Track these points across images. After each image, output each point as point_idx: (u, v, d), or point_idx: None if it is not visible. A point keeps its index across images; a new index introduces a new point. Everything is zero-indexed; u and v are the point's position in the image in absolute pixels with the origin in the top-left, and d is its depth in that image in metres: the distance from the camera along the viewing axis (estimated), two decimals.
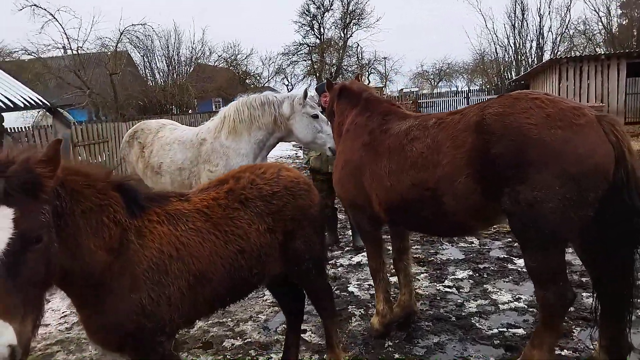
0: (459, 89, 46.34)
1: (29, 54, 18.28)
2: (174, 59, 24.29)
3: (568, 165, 2.45)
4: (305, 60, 38.42)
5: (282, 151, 17.57)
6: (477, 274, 4.80)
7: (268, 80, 35.96)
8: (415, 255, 5.49)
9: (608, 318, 2.75)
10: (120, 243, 1.99)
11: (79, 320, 2.17)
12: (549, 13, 33.63)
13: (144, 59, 23.90)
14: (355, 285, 4.74)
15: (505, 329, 3.64)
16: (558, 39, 25.72)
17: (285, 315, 3.27)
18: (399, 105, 3.74)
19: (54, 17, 16.86)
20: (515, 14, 26.24)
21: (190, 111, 24.11)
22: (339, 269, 5.28)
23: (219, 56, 27.41)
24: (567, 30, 25.77)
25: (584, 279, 4.30)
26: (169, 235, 2.14)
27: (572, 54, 23.85)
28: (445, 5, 79.53)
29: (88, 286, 1.96)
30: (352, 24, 38.16)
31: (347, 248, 6.03)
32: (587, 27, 26.46)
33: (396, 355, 3.40)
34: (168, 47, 23.80)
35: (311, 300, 3.06)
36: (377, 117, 3.52)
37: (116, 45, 18.56)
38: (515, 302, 4.10)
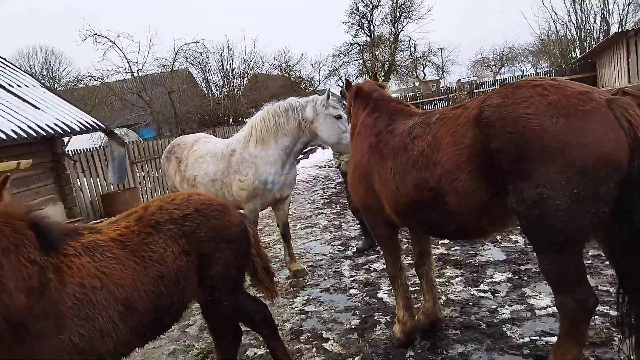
0: (524, 73, 43.99)
1: (95, 80, 19.78)
2: (227, 72, 25.07)
3: (573, 157, 2.21)
4: (356, 60, 38.14)
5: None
6: (517, 277, 4.50)
7: (320, 83, 36.10)
8: (452, 257, 5.27)
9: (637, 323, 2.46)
10: (40, 283, 1.93)
11: None
12: None
13: (200, 75, 24.92)
14: (386, 291, 4.62)
15: (538, 337, 3.38)
16: (626, 10, 23.58)
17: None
18: (408, 104, 3.59)
19: (114, 44, 18.01)
20: None
21: (245, 120, 24.85)
22: (372, 273, 5.18)
23: (270, 64, 27.88)
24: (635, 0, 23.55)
25: None
26: (89, 267, 2.09)
27: None
28: None
29: (11, 331, 1.86)
30: (402, 17, 37.35)
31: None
32: None
33: None
34: (222, 61, 24.59)
35: (241, 321, 2.97)
36: (385, 117, 3.43)
37: (172, 65, 19.51)
38: (553, 307, 3.79)
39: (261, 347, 3.88)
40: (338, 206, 9.00)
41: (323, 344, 3.76)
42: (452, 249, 5.52)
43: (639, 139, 2.25)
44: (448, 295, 4.30)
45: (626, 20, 23.65)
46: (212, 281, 2.56)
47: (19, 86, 8.50)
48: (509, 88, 2.56)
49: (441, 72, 43.23)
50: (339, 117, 4.82)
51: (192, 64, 23.39)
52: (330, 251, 6.23)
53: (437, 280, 4.68)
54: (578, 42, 23.83)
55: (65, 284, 1.98)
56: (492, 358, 3.22)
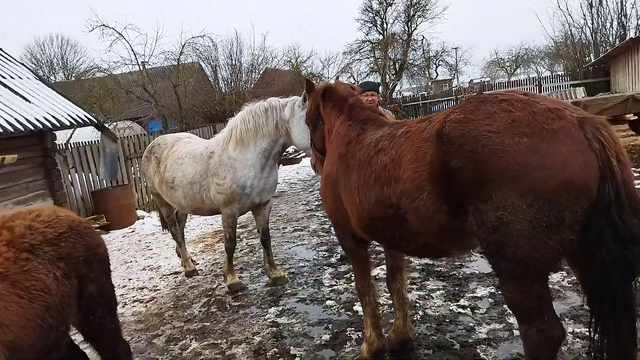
0: (540, 75, 43.34)
1: (101, 71, 19.75)
2: (236, 67, 24.95)
3: (534, 180, 2.02)
4: (368, 58, 37.78)
5: None
6: (499, 292, 4.26)
7: (329, 80, 35.84)
8: (437, 269, 5.04)
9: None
10: None
11: None
12: None
13: (209, 69, 24.85)
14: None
15: None
16: None
17: None
18: (382, 112, 3.36)
19: (121, 35, 17.96)
20: None
21: None
22: (352, 284, 4.96)
23: (279, 60, 27.68)
24: None
25: None
26: None
27: None
28: None
29: None
30: (416, 15, 36.87)
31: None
32: None
33: None
34: (231, 55, 24.47)
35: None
36: (357, 126, 3.21)
37: (178, 58, 19.42)
38: None
39: None
40: None
41: None
42: (440, 259, 5.28)
43: (610, 163, 2.03)
44: (426, 310, 4.08)
45: None
46: (91, 302, 2.40)
47: (12, 78, 8.42)
48: (474, 102, 2.36)
49: (454, 72, 42.60)
50: None
51: (200, 57, 23.32)
52: (315, 257, 6.03)
53: (418, 293, 4.48)
54: (593, 47, 23.22)
55: None
56: None
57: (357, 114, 3.29)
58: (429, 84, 44.37)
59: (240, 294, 5.12)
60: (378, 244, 3.50)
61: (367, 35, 37.52)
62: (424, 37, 37.53)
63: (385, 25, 37.71)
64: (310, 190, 11.34)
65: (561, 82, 19.64)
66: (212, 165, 5.05)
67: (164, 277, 6.09)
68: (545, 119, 2.10)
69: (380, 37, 37.48)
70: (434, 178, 2.33)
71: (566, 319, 3.61)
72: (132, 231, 8.91)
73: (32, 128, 7.39)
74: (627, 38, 18.07)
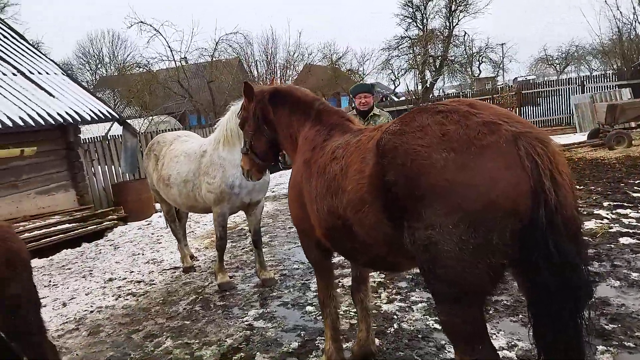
0: (592, 74, 41.20)
1: (139, 67, 20.42)
2: (271, 63, 25.15)
3: (460, 198, 1.89)
4: (406, 54, 37.08)
5: None
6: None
7: (366, 76, 35.56)
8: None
9: None
10: None
11: None
12: None
13: (245, 65, 25.20)
14: (342, 312, 4.32)
15: None
16: None
17: None
18: (350, 117, 3.22)
19: (158, 32, 18.46)
20: None
21: None
22: (339, 290, 4.87)
23: (314, 56, 27.66)
24: None
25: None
26: None
27: None
28: None
29: None
30: (457, 10, 35.83)
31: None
32: None
33: None
34: (266, 52, 24.68)
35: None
36: (325, 131, 3.11)
37: (212, 54, 19.78)
38: (508, 350, 3.36)
39: None
40: None
41: None
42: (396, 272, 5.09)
43: (543, 183, 1.86)
44: (402, 324, 3.94)
45: None
46: (12, 302, 2.48)
47: (39, 73, 8.83)
48: (412, 113, 2.26)
49: (498, 70, 41.15)
50: None
51: (236, 54, 23.66)
52: None
53: (399, 304, 4.34)
54: None
55: None
56: None
57: (326, 118, 3.18)
58: (469, 81, 43.08)
59: (227, 293, 5.14)
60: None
61: (406, 30, 36.87)
62: (465, 32, 36.48)
63: (425, 21, 36.92)
64: None
65: (606, 82, 18.49)
66: (204, 164, 5.09)
67: (163, 271, 6.21)
68: (476, 133, 1.97)
69: (420, 32, 36.74)
70: (373, 191, 2.26)
71: None
72: (148, 224, 9.15)
73: (53, 122, 7.71)
74: None
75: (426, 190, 1.97)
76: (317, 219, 2.83)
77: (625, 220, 5.73)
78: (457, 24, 36.42)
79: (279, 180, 12.89)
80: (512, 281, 4.43)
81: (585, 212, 6.24)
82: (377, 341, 3.57)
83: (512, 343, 3.45)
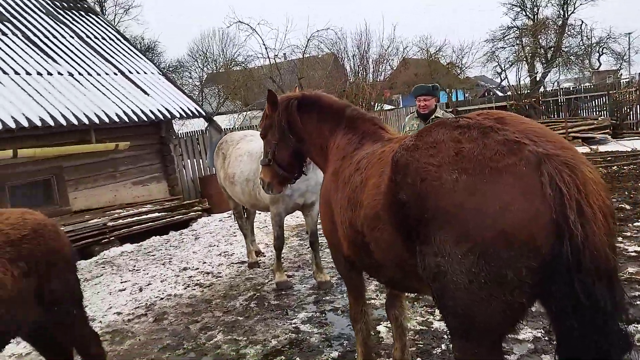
0: None
1: (237, 65, 21.50)
2: (364, 58, 24.99)
3: (469, 226, 1.71)
4: (513, 46, 34.54)
5: None
6: (546, 337, 3.61)
7: (465, 69, 33.88)
8: None
9: None
10: None
11: None
12: None
13: (338, 60, 25.35)
14: (387, 325, 4.13)
15: None
16: None
17: None
18: (383, 125, 3.02)
19: (254, 30, 19.26)
20: None
21: (382, 108, 24.77)
22: None
23: (408, 50, 26.93)
24: None
25: None
26: None
27: None
28: None
29: None
30: None
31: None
32: None
33: None
34: (359, 47, 24.58)
35: (77, 349, 2.91)
36: (356, 140, 2.96)
37: (304, 51, 20.16)
38: None
39: None
40: None
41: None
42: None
43: (567, 215, 1.59)
44: (442, 346, 3.66)
45: None
46: (54, 297, 2.61)
47: (137, 73, 9.66)
48: (430, 126, 2.08)
49: (621, 62, 36.74)
50: None
51: (330, 50, 23.88)
52: None
53: (438, 324, 4.02)
54: None
55: None
56: None
57: (358, 125, 3.02)
58: (590, 74, 39.00)
59: (283, 293, 5.20)
60: None
61: (514, 20, 34.38)
62: (582, 21, 33.01)
63: (536, 9, 34.11)
64: None
65: None
66: None
67: (232, 264, 6.47)
68: (493, 154, 1.75)
69: (530, 22, 34.01)
70: (387, 208, 2.12)
71: None
72: (229, 216, 9.59)
73: (145, 119, 8.40)
74: None
75: (435, 213, 1.81)
76: (342, 232, 2.73)
77: None
78: (573, 11, 33.18)
79: None
80: None
81: None
82: None
83: None
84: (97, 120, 7.75)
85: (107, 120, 7.80)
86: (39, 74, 8.25)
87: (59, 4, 10.71)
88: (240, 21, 19.18)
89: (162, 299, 5.44)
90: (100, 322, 4.88)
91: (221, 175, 5.95)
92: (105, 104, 8.09)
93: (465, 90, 42.23)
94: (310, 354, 3.79)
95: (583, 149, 13.75)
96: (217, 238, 8.03)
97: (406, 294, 3.30)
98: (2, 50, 8.31)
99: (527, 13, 34.57)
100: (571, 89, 20.78)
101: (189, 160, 10.35)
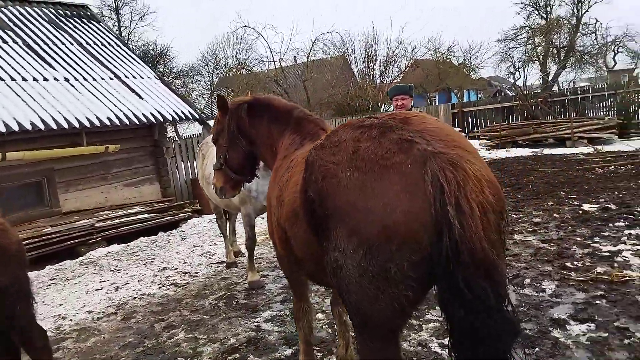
0: None
1: (244, 68, 21.68)
2: (371, 60, 25.03)
3: (358, 222, 1.77)
4: (524, 46, 34.12)
5: None
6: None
7: (478, 69, 33.59)
8: None
9: None
10: None
11: None
12: None
13: (347, 62, 25.39)
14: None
15: None
16: None
17: None
18: (324, 126, 3.07)
19: (260, 34, 19.43)
20: None
21: (386, 109, 24.71)
22: None
23: (416, 52, 26.80)
24: None
25: None
26: None
27: None
28: None
29: None
30: None
31: None
32: None
33: None
34: (366, 49, 24.63)
35: (22, 344, 2.96)
36: (298, 140, 3.06)
37: (308, 54, 20.26)
38: None
39: None
40: None
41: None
42: None
43: (447, 212, 1.61)
44: (403, 344, 3.64)
45: None
46: (2, 292, 2.67)
47: (134, 77, 9.84)
48: (339, 127, 2.19)
49: (637, 60, 35.97)
50: None
51: (336, 52, 23.95)
52: None
53: (412, 321, 4.01)
54: None
55: None
56: None
57: (303, 126, 3.09)
58: (606, 73, 38.29)
59: (254, 292, 5.23)
60: None
61: (527, 20, 33.91)
62: (597, 20, 32.41)
63: (549, 8, 33.60)
64: None
65: None
66: None
67: (211, 264, 6.53)
68: (385, 152, 1.82)
69: (543, 21, 33.53)
70: (301, 205, 2.19)
71: None
72: None
73: (137, 122, 8.54)
74: None
75: (333, 210, 1.88)
76: (273, 229, 2.80)
77: None
78: (587, 10, 32.63)
79: None
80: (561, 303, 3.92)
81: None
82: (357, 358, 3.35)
83: None
84: (87, 124, 7.92)
85: (97, 123, 7.97)
86: (35, 79, 8.48)
87: (62, 12, 10.99)
88: (246, 25, 19.45)
89: (135, 298, 5.51)
90: (71, 320, 4.98)
91: (200, 176, 6.03)
92: (98, 107, 8.26)
93: (478, 90, 41.95)
94: (264, 352, 3.80)
95: (586, 149, 13.50)
96: (203, 239, 8.11)
97: None
98: (1, 58, 8.56)
99: (540, 12, 34.13)
100: (578, 89, 20.40)
101: (182, 163, 10.48)
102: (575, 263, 4.69)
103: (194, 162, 10.70)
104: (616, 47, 35.54)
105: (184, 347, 4.08)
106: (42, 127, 7.39)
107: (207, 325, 4.48)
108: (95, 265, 7.09)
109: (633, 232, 5.39)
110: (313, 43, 20.16)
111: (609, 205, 6.62)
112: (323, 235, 1.95)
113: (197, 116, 9.80)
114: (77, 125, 7.81)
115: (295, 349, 3.77)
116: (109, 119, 8.16)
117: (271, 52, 20.18)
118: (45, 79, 8.59)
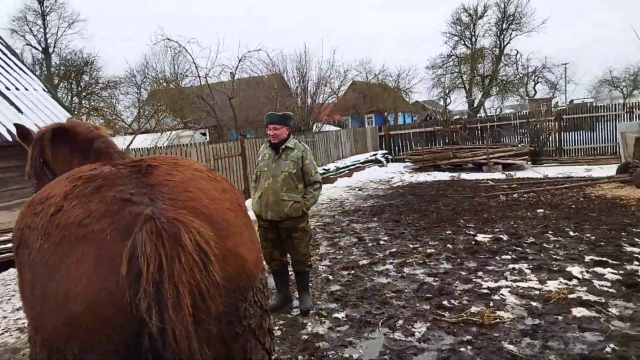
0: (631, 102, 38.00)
1: (167, 82, 20.78)
2: (303, 80, 24.93)
3: (39, 313, 1.41)
4: (451, 73, 35.77)
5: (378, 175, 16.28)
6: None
7: (411, 93, 34.75)
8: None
9: None
10: None
11: None
12: None
13: (286, 80, 25.20)
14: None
15: None
16: None
17: None
18: (126, 159, 2.60)
19: (184, 48, 18.71)
20: None
21: (320, 130, 24.64)
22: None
23: (346, 74, 27.15)
24: None
25: None
26: None
27: None
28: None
29: None
30: (509, 29, 34.22)
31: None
32: None
33: None
34: (299, 69, 24.52)
35: None
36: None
37: (234, 71, 19.79)
38: None
39: None
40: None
41: None
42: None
43: (141, 303, 1.28)
44: None
45: None
46: None
47: (17, 89, 8.87)
48: (61, 177, 1.73)
49: (554, 91, 38.67)
50: None
51: (269, 70, 23.68)
52: None
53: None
54: None
55: None
56: None
57: (103, 159, 2.59)
58: (527, 101, 40.85)
59: None
60: None
61: (453, 49, 35.56)
62: (517, 51, 34.61)
63: (474, 39, 35.48)
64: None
65: None
66: None
67: None
68: (86, 216, 1.40)
69: (468, 51, 35.30)
70: None
71: None
72: None
73: (9, 139, 7.63)
74: None
75: (21, 292, 1.52)
76: None
77: (597, 283, 4.59)
78: (508, 42, 34.80)
79: None
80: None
81: (556, 267, 5.14)
82: None
83: None
84: None
85: None
86: None
87: None
88: (168, 38, 18.63)
89: None
90: None
91: None
92: None
93: (414, 113, 43.36)
94: None
95: (499, 175, 13.93)
96: None
97: None
98: None
99: (466, 42, 35.96)
100: (494, 117, 21.36)
101: None
102: (453, 301, 4.48)
103: None
104: (536, 77, 37.98)
105: None
106: None
107: None
108: None
109: (517, 266, 5.31)
110: (240, 60, 19.70)
111: (502, 236, 6.60)
112: None
113: None
114: None
115: None
116: None
117: (196, 67, 19.44)
118: None
